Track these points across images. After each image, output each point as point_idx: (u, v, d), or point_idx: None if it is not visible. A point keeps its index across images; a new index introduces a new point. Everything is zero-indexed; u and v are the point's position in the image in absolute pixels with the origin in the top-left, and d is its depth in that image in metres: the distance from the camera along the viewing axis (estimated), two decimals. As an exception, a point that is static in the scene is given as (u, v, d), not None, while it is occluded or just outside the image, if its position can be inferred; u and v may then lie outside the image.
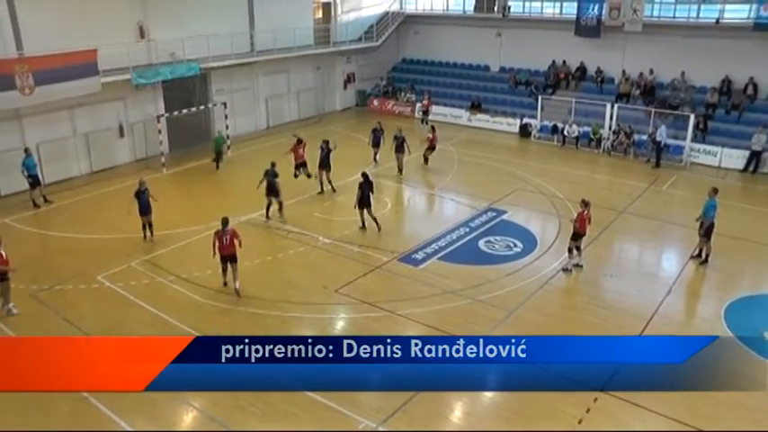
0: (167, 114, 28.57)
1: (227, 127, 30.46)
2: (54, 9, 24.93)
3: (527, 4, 38.71)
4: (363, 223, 21.09)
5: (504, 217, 22.77)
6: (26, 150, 23.34)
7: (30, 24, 24.15)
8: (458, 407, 13.07)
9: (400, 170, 27.11)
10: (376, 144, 28.44)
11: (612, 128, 31.61)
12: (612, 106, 32.04)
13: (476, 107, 37.24)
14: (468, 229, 21.54)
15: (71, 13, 25.40)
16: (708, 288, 18.25)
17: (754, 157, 28.58)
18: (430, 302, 16.54)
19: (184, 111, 29.14)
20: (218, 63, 30.93)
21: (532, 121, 34.72)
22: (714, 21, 31.80)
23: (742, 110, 31.04)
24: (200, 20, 30.03)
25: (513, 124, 35.51)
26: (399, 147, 26.80)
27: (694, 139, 30.01)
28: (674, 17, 33.48)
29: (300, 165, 24.93)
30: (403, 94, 40.20)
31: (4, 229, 21.44)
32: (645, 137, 30.53)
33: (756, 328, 15.78)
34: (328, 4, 38.88)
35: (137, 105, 28.76)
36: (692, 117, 29.77)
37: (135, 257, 19.15)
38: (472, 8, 40.03)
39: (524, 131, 34.82)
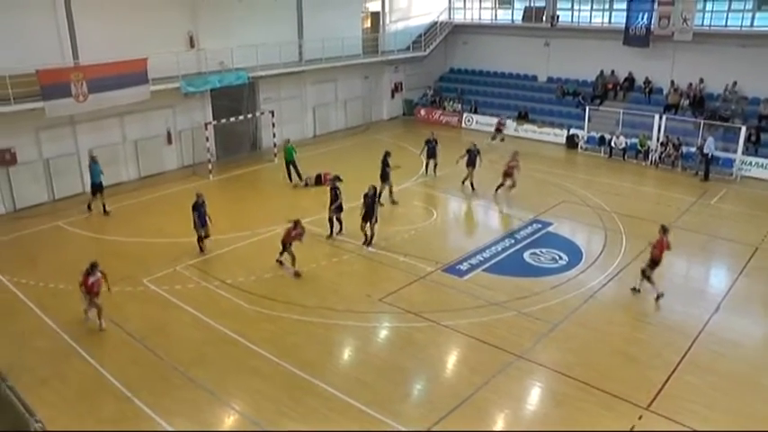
0: (215, 122, 29.04)
1: (273, 135, 30.83)
2: (109, 19, 25.61)
3: (575, 13, 38.40)
4: (366, 237, 20.82)
5: (550, 229, 22.53)
6: (93, 157, 23.85)
7: (86, 34, 24.89)
8: (499, 419, 12.93)
9: (473, 187, 26.63)
10: (431, 155, 28.01)
11: (660, 140, 31.05)
12: (660, 117, 31.48)
13: (523, 117, 37.03)
14: (513, 241, 21.38)
15: (125, 24, 26.05)
16: (759, 306, 17.68)
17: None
18: (474, 314, 16.43)
19: (232, 119, 29.52)
20: (267, 72, 31.35)
21: (579, 132, 34.34)
22: (770, 29, 30.92)
23: (797, 122, 30.10)
24: (249, 29, 30.52)
25: (560, 135, 35.19)
26: (472, 161, 26.27)
27: (746, 152, 29.33)
28: (726, 26, 32.81)
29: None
30: (450, 103, 40.12)
31: (57, 231, 22.13)
32: (693, 149, 29.93)
33: None
34: (377, 13, 39.09)
35: (185, 113, 29.30)
36: (744, 129, 29.09)
37: (180, 262, 19.46)
38: (520, 18, 39.92)
39: (571, 142, 34.46)
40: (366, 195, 20.40)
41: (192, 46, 28.87)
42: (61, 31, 24.46)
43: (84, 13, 24.80)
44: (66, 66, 23.98)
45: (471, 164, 26.12)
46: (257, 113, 31.69)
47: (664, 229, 17.67)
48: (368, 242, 20.64)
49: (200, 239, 20.19)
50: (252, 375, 13.91)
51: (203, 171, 28.22)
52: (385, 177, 24.20)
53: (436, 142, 28.17)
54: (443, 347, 15.38)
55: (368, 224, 20.56)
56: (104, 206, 23.91)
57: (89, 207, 23.91)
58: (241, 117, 30.18)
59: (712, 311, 17.00)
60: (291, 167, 27.31)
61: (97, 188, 23.70)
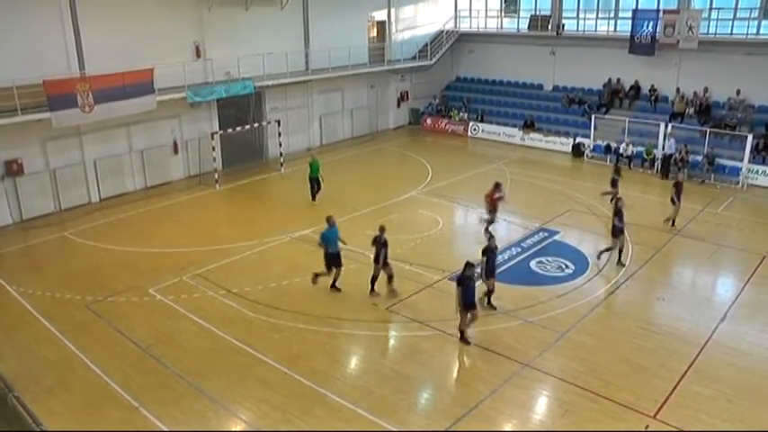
0: (221, 132, 29.14)
1: (280, 144, 30.87)
2: (115, 29, 25.79)
3: (581, 22, 38.43)
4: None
5: (557, 238, 22.49)
6: (328, 219, 18.39)
7: (92, 44, 25.03)
8: (507, 428, 12.87)
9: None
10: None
11: (666, 148, 31.02)
12: (666, 126, 31.47)
13: (529, 126, 37.04)
14: (519, 249, 21.34)
15: (131, 34, 26.23)
16: (765, 314, 17.47)
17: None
18: (480, 322, 16.32)
19: (238, 128, 29.60)
20: (273, 81, 31.47)
21: (586, 141, 34.34)
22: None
23: (803, 130, 30.07)
24: (256, 39, 30.65)
25: (567, 143, 35.18)
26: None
27: (753, 160, 29.28)
28: (732, 34, 32.78)
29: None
30: (456, 112, 40.17)
31: (64, 241, 22.24)
32: (699, 157, 29.93)
33: None
34: (383, 22, 39.20)
35: (191, 123, 29.42)
36: (750, 137, 29.08)
37: (187, 271, 19.47)
38: (526, 26, 39.97)
39: (577, 151, 34.45)
40: (376, 239, 17.94)
41: (199, 56, 29.00)
42: (68, 41, 24.61)
43: (91, 23, 24.94)
44: (73, 76, 24.06)
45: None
46: (264, 123, 31.78)
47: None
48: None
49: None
50: (258, 384, 13.88)
51: (210, 181, 28.30)
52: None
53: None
54: (450, 356, 15.34)
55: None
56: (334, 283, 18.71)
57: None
58: (247, 127, 30.24)
59: (719, 320, 16.91)
60: (315, 185, 25.83)
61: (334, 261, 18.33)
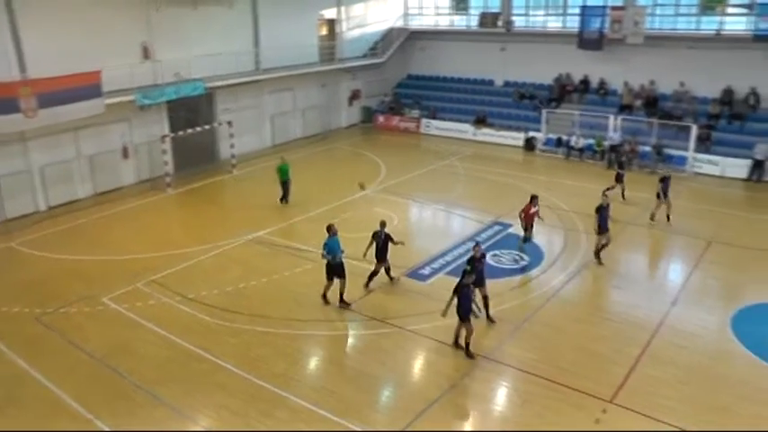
0: (172, 134, 28.72)
1: (232, 146, 30.57)
2: (57, 31, 25.01)
3: (530, 18, 38.96)
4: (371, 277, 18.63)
5: (511, 231, 22.71)
6: (329, 228, 17.48)
7: (33, 46, 24.25)
8: (467, 421, 13.04)
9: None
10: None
11: (611, 139, 31.77)
12: (616, 118, 32.12)
13: (481, 121, 37.36)
14: (473, 243, 21.44)
15: (75, 35, 25.48)
16: (713, 297, 18.15)
17: (757, 166, 28.75)
18: (438, 317, 16.46)
19: (190, 130, 29.19)
20: (224, 82, 31.14)
21: (537, 135, 34.80)
22: (714, 32, 31.99)
23: (744, 120, 31.15)
24: (205, 39, 30.30)
25: (518, 138, 35.59)
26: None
27: (698, 150, 30.17)
28: (675, 29, 33.75)
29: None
30: (409, 109, 40.26)
31: (10, 253, 21.60)
32: (648, 148, 30.63)
33: (763, 336, 15.83)
34: (333, 20, 39.07)
35: (141, 126, 28.85)
36: (695, 128, 30.00)
37: (141, 278, 19.11)
38: (476, 23, 40.24)
39: (529, 145, 34.91)
40: (376, 234, 18.04)
41: (147, 57, 28.47)
42: (6, 44, 23.71)
43: (31, 25, 24.12)
44: (13, 79, 23.14)
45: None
46: (215, 124, 31.41)
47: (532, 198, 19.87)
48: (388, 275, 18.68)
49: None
50: (218, 390, 13.72)
51: (161, 185, 27.90)
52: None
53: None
54: (410, 352, 15.41)
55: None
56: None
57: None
58: (199, 129, 29.83)
59: (670, 305, 17.40)
60: (286, 187, 25.65)
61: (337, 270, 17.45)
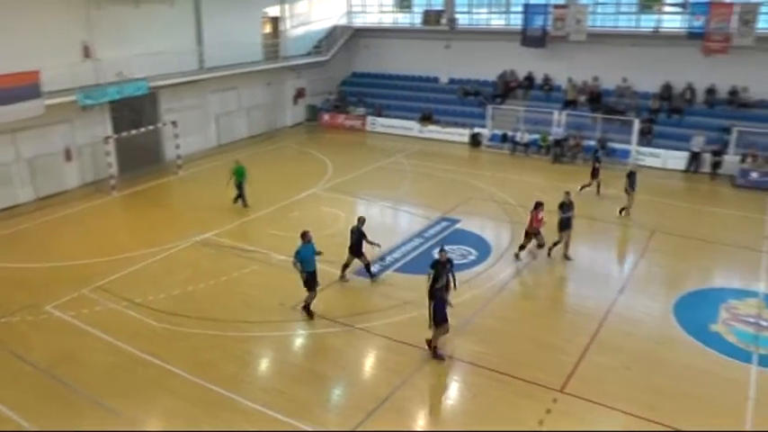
0: (116, 135, 28.11)
1: (177, 146, 30.12)
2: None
3: (474, 16, 39.34)
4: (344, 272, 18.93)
5: (458, 226, 22.94)
6: (303, 235, 16.74)
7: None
8: (419, 416, 13.12)
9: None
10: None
11: (555, 134, 32.40)
12: (560, 113, 32.75)
13: (426, 118, 37.56)
14: (422, 240, 21.65)
15: (11, 33, 24.68)
16: (657, 285, 18.75)
17: (694, 158, 29.74)
18: (388, 314, 16.57)
19: (134, 131, 28.59)
20: (167, 81, 30.61)
21: (483, 131, 35.17)
22: (653, 30, 33.02)
23: (682, 114, 32.27)
24: (147, 37, 29.68)
25: (464, 134, 35.93)
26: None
27: (640, 143, 31.09)
28: (616, 27, 34.70)
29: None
30: (353, 107, 40.27)
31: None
32: (593, 142, 31.32)
33: (702, 321, 16.46)
34: (276, 18, 38.78)
35: (84, 127, 28.14)
36: (637, 122, 30.94)
37: (87, 284, 18.62)
38: (420, 21, 40.43)
39: (475, 141, 35.26)
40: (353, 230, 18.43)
41: (88, 56, 27.77)
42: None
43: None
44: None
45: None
46: (159, 125, 30.88)
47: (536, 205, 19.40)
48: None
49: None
50: (167, 395, 13.54)
51: (106, 188, 27.27)
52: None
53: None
54: (360, 350, 15.44)
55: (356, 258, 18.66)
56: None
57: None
58: (143, 129, 29.25)
59: (617, 294, 17.89)
60: (239, 190, 24.99)
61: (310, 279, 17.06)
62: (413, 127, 37.67)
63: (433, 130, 37.11)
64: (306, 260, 16.23)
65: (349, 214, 24.40)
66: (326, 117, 40.83)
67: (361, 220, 18.50)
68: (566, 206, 19.86)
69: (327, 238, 21.59)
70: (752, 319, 16.62)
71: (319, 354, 15.26)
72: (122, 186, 27.84)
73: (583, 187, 26.06)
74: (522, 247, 20.02)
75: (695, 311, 16.96)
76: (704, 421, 12.59)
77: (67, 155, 27.70)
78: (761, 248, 21.24)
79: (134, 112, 30.26)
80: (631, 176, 23.60)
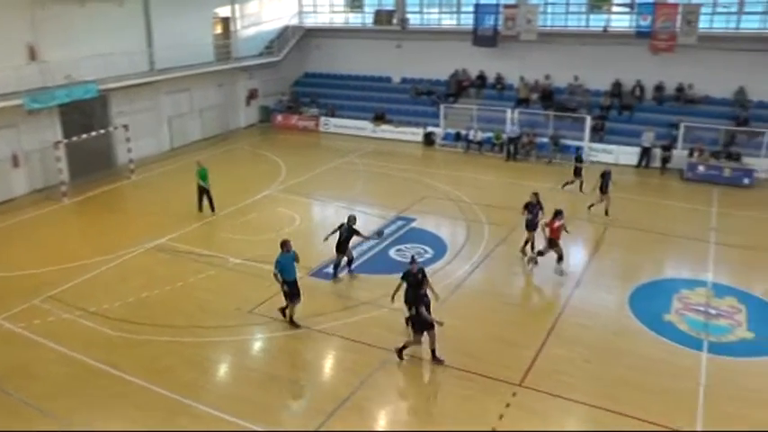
0: (66, 140, 27.50)
1: (129, 150, 29.56)
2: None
3: (425, 16, 39.53)
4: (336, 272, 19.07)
5: (414, 225, 23.04)
6: (284, 244, 16.27)
7: None
8: (381, 416, 13.15)
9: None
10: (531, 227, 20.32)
11: (509, 132, 32.74)
12: (513, 112, 33.15)
13: (380, 118, 37.60)
14: (377, 239, 21.63)
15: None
16: (612, 278, 19.14)
17: (645, 153, 30.47)
18: (346, 315, 16.56)
19: (84, 135, 27.89)
20: (117, 84, 29.98)
21: (436, 130, 35.38)
22: (602, 29, 33.72)
23: (632, 110, 33.04)
24: (95, 38, 29.01)
25: (418, 133, 36.07)
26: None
27: (592, 139, 31.69)
28: (566, 26, 35.35)
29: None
30: (307, 108, 40.12)
31: None
32: (546, 139, 31.80)
33: (656, 311, 16.91)
34: (227, 18, 38.40)
35: (32, 132, 27.38)
36: (589, 119, 31.50)
37: (38, 295, 18.09)
38: (371, 21, 40.47)
39: (428, 140, 35.43)
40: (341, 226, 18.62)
41: (34, 58, 27.09)
42: None
43: None
44: None
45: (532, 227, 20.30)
46: (110, 128, 30.26)
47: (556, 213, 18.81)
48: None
49: None
50: (123, 404, 13.32)
51: (56, 194, 26.57)
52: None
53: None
54: (319, 352, 15.43)
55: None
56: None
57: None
58: (94, 133, 28.54)
59: (573, 288, 18.23)
60: (204, 195, 24.30)
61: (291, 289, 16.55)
62: (366, 127, 37.67)
63: (386, 130, 37.16)
64: (286, 269, 15.77)
65: (305, 215, 24.38)
66: (280, 118, 40.56)
67: (352, 219, 18.69)
68: (532, 206, 19.86)
69: (282, 237, 21.48)
70: (702, 308, 17.13)
71: (278, 357, 15.20)
72: (74, 193, 27.24)
73: (565, 184, 26.57)
74: (540, 253, 19.35)
75: (649, 302, 17.38)
76: (659, 409, 12.87)
77: (14, 161, 26.95)
78: (708, 239, 21.87)
79: (84, 115, 29.59)
80: (606, 176, 23.74)
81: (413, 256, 15.91)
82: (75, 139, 27.56)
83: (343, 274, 19.05)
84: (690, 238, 22.00)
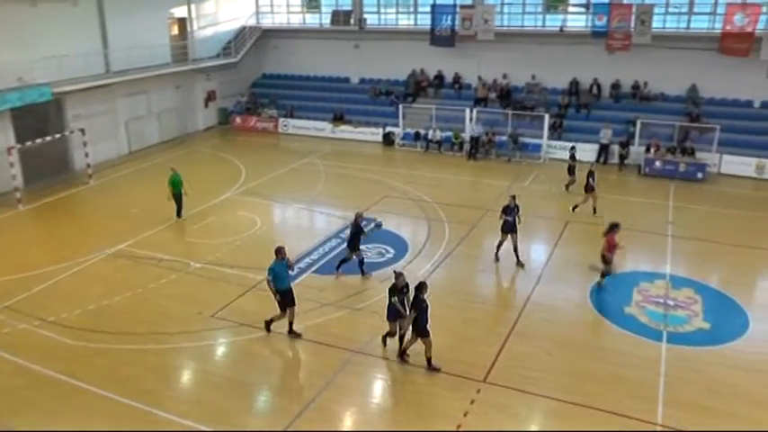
0: (19, 145, 26.85)
1: (86, 155, 28.92)
2: None
3: (382, 16, 39.61)
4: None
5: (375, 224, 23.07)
6: (278, 252, 15.53)
7: None
8: (346, 417, 13.14)
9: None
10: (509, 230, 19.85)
11: (472, 131, 32.91)
12: (472, 111, 33.39)
13: (338, 119, 37.56)
14: (339, 241, 21.60)
15: None
16: (573, 273, 19.36)
17: (603, 149, 30.96)
18: (309, 317, 16.50)
19: (39, 140, 27.20)
20: (72, 86, 29.37)
21: (395, 130, 35.48)
22: (558, 29, 34.23)
23: (589, 108, 33.54)
24: (48, 40, 28.38)
25: (377, 134, 36.13)
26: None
27: (551, 137, 32.16)
28: (523, 26, 35.75)
29: None
30: (265, 109, 39.91)
31: None
32: (505, 138, 32.09)
33: (617, 304, 17.29)
34: (183, 19, 37.97)
35: (-18, 138, 26.85)
36: (547, 117, 31.96)
37: (-9, 305, 17.70)
38: (329, 21, 40.41)
39: (388, 140, 35.52)
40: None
41: (-17, 60, 26.49)
42: None
43: None
44: None
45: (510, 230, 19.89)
46: (66, 132, 29.64)
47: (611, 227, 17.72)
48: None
49: None
50: (82, 415, 13.06)
51: (11, 201, 25.85)
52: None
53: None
54: (282, 354, 15.41)
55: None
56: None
57: None
58: (49, 138, 27.81)
59: (534, 284, 18.48)
60: (177, 201, 23.87)
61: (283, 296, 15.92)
62: (325, 128, 37.59)
63: (345, 131, 37.15)
64: (279, 277, 15.37)
65: (265, 218, 24.24)
66: (238, 120, 40.24)
67: (359, 216, 18.83)
68: (509, 209, 19.59)
69: (243, 241, 21.50)
70: (661, 300, 17.56)
71: (241, 361, 15.08)
72: (29, 199, 26.63)
73: (568, 185, 26.66)
74: (603, 275, 18.13)
75: (610, 296, 17.72)
76: (622, 400, 13.13)
77: (-34, 168, 26.32)
78: (666, 233, 22.42)
79: (38, 119, 28.98)
80: (591, 176, 23.92)
81: (400, 272, 15.05)
82: (29, 143, 26.86)
83: (339, 272, 19.11)
84: (648, 231, 22.47)
